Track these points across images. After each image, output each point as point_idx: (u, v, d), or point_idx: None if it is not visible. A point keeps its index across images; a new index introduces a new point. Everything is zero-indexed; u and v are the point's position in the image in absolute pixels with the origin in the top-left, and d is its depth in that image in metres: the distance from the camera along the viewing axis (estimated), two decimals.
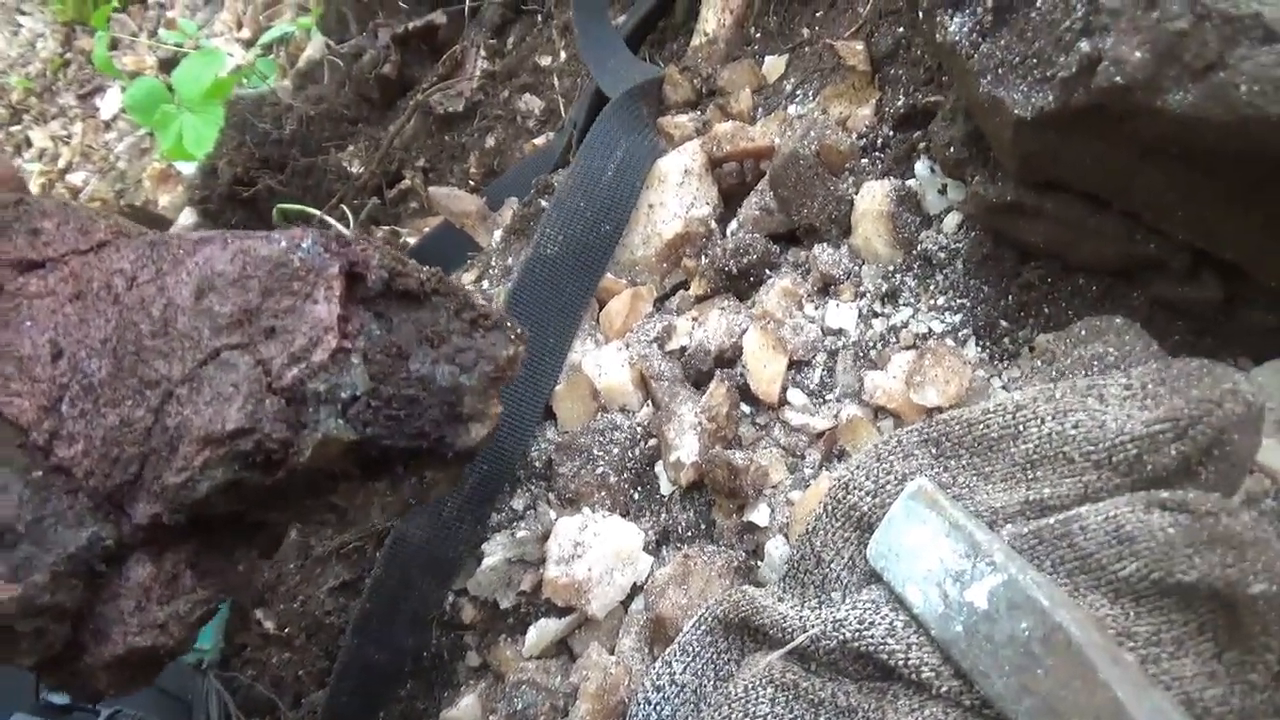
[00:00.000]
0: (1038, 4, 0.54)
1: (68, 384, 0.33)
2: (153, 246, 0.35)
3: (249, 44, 2.35)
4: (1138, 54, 0.46)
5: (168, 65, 2.36)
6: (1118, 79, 0.47)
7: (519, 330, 0.44)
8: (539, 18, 1.45)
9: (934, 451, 0.54)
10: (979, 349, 0.65)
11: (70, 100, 2.64)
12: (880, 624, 0.50)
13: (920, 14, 0.65)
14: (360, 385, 0.33)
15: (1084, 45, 0.50)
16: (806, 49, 1.00)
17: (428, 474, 0.37)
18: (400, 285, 0.34)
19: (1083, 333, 0.56)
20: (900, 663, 0.49)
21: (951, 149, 0.66)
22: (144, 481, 0.32)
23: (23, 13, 3.00)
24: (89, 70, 2.64)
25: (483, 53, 1.42)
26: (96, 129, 2.51)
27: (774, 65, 0.99)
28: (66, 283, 0.34)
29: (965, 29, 0.59)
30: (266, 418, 0.32)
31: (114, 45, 2.51)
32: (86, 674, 0.33)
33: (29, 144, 2.58)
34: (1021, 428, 0.50)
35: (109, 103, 2.54)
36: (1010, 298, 0.64)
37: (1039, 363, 0.58)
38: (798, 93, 0.94)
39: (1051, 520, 0.48)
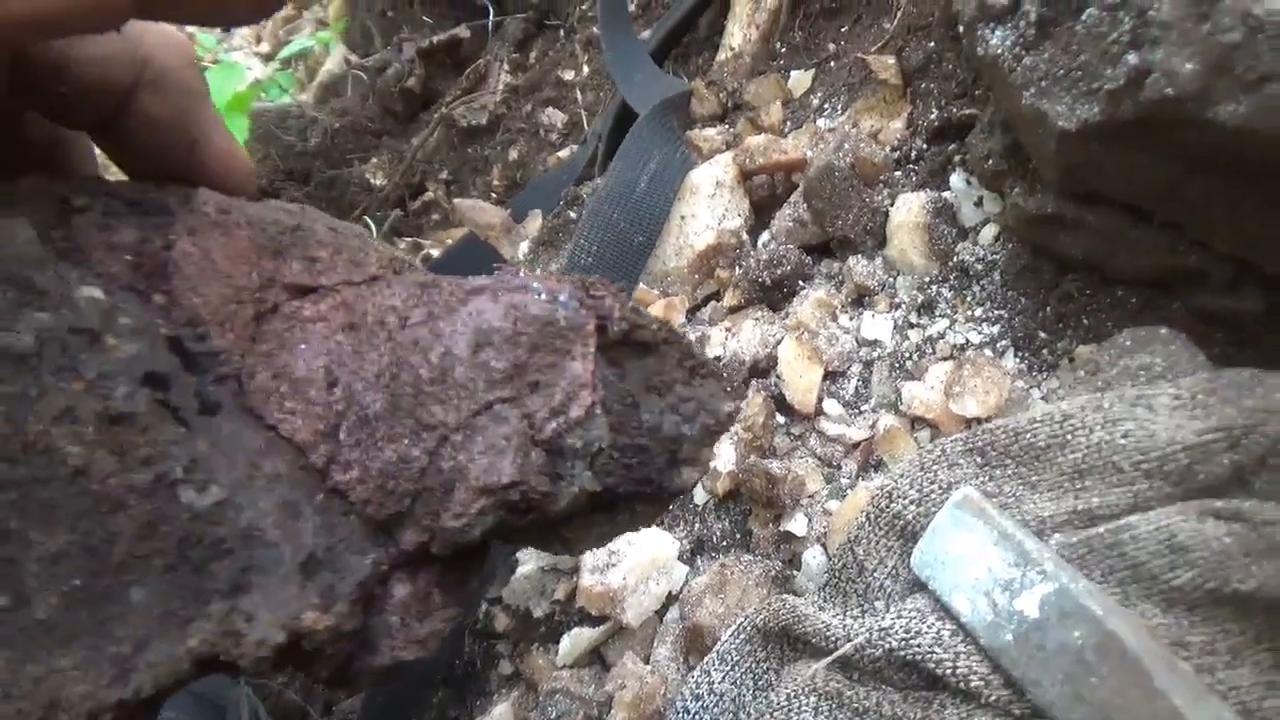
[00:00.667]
0: (1083, 17, 0.54)
1: (344, 412, 0.34)
2: (423, 289, 0.37)
3: (268, 58, 2.37)
4: (1189, 66, 0.47)
5: None
6: (1169, 90, 0.48)
7: (732, 384, 0.44)
8: (561, 32, 1.46)
9: (979, 461, 0.54)
10: (1017, 360, 0.65)
11: None
12: (927, 633, 0.50)
13: (960, 28, 0.65)
14: (605, 438, 0.34)
15: (1132, 58, 0.50)
16: (833, 63, 1.01)
17: (639, 508, 0.38)
18: (637, 336, 0.36)
19: (1128, 343, 0.56)
20: (948, 671, 0.49)
21: (990, 161, 0.67)
22: (415, 515, 0.34)
23: None
24: None
25: (506, 67, 1.43)
26: None
27: (800, 80, 0.99)
28: (339, 311, 0.35)
29: (1008, 42, 0.60)
30: (532, 471, 0.33)
31: None
32: (351, 681, 0.35)
33: None
34: (1070, 437, 0.51)
35: None
36: (1049, 309, 0.65)
37: (1082, 373, 0.58)
38: (825, 106, 0.95)
39: (1101, 529, 0.48)
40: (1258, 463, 0.45)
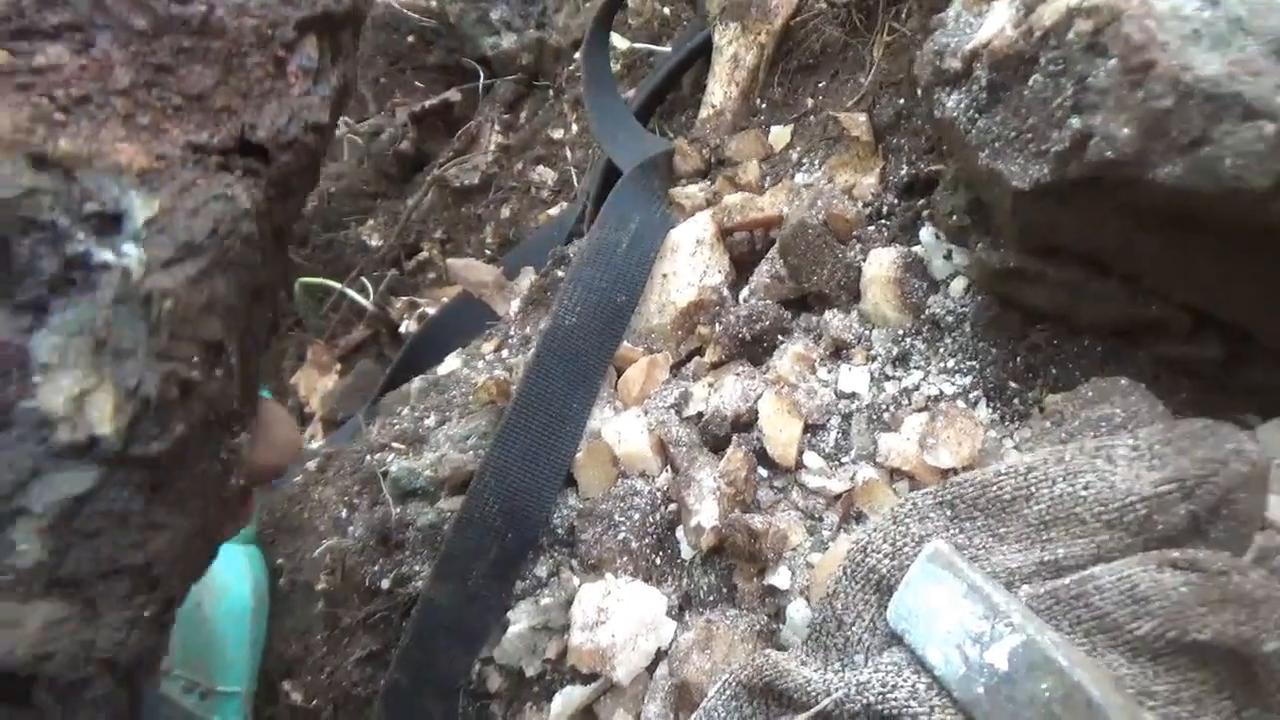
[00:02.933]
0: (1030, 83, 0.56)
1: None
2: None
3: None
4: (1125, 130, 0.49)
5: None
6: (1108, 154, 0.50)
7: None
8: (551, 92, 1.50)
9: (949, 514, 0.55)
10: (990, 410, 0.66)
11: None
12: (903, 686, 0.51)
13: (919, 91, 0.67)
14: None
15: (1075, 122, 0.52)
16: (811, 118, 1.03)
17: None
18: None
19: (1090, 394, 0.57)
20: None
21: (954, 217, 0.69)
22: None
23: None
24: None
25: (497, 127, 1.47)
26: None
27: (780, 135, 1.02)
28: None
29: (962, 105, 0.62)
30: None
31: None
32: None
33: None
34: (1033, 489, 0.52)
35: None
36: (1018, 359, 0.66)
37: (1048, 424, 0.59)
38: (804, 161, 0.97)
39: (1067, 580, 0.49)
40: (1211, 512, 0.46)
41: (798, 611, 0.66)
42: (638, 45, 1.38)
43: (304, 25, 0.45)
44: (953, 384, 0.68)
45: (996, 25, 0.61)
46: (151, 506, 0.38)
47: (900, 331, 0.73)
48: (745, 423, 0.75)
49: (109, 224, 0.37)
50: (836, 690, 0.54)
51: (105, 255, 0.36)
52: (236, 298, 0.40)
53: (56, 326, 0.35)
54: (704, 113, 1.14)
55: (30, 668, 0.35)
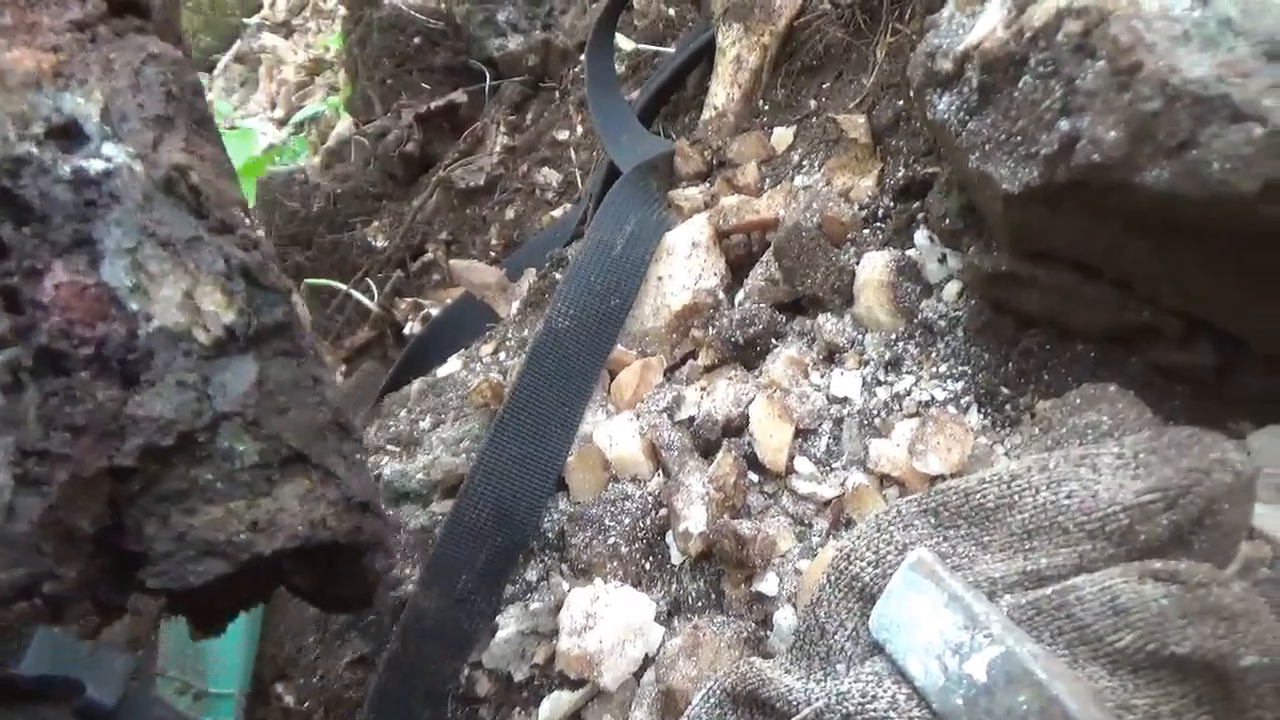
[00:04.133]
0: (1019, 85, 0.56)
1: None
2: None
3: (282, 122, 2.44)
4: (1113, 133, 0.48)
5: None
6: (1095, 157, 0.49)
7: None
8: (556, 94, 1.50)
9: (933, 521, 0.54)
10: (981, 416, 0.65)
11: None
12: (883, 697, 0.50)
13: (912, 92, 0.67)
14: None
15: (1063, 124, 0.51)
16: (813, 120, 1.02)
17: None
18: None
19: (1078, 401, 0.56)
20: None
21: (947, 220, 0.68)
22: None
23: None
24: None
25: (502, 129, 1.47)
26: None
27: (782, 136, 1.01)
28: None
29: (954, 108, 0.61)
30: None
31: None
32: None
33: None
34: (1017, 497, 0.51)
35: None
36: (1010, 365, 0.65)
37: (1037, 430, 0.58)
38: (804, 163, 0.96)
39: (1049, 590, 0.48)
40: (1194, 523, 0.45)
41: (785, 619, 0.65)
42: (642, 46, 1.37)
43: None
44: (944, 389, 0.67)
45: (988, 26, 0.60)
46: (306, 365, 0.39)
47: (893, 336, 0.72)
48: (736, 427, 0.74)
49: (72, 135, 0.36)
50: (817, 700, 0.53)
51: (96, 165, 0.35)
52: (223, 152, 0.40)
53: (115, 251, 0.35)
54: (706, 114, 1.13)
55: (331, 535, 0.38)
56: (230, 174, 0.39)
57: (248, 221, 0.38)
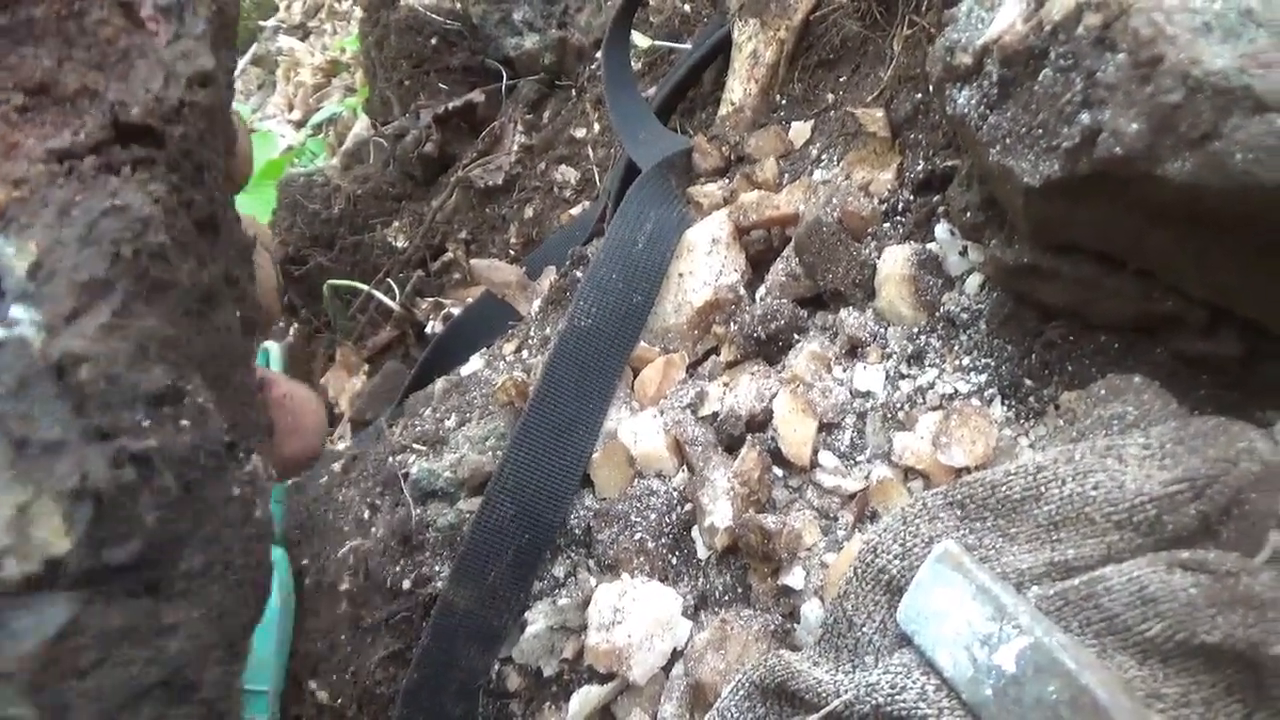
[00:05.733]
0: (1040, 78, 0.56)
1: None
2: None
3: (300, 124, 2.46)
4: (1134, 126, 0.48)
5: None
6: (1117, 150, 0.49)
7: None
8: (573, 92, 1.51)
9: (959, 514, 0.55)
10: (1005, 408, 0.66)
11: None
12: (912, 688, 0.51)
13: (931, 86, 0.67)
14: None
15: (1084, 117, 0.52)
16: (831, 114, 1.03)
17: None
18: None
19: (1103, 392, 0.57)
20: None
21: (968, 214, 0.68)
22: None
23: None
24: None
25: (520, 128, 1.48)
26: None
27: (800, 131, 1.01)
28: None
29: (973, 101, 0.61)
30: None
31: None
32: None
33: None
34: (1043, 489, 0.51)
35: None
36: (1034, 357, 0.65)
37: (1062, 422, 0.59)
38: (823, 158, 0.97)
39: (1077, 581, 0.48)
40: (1222, 512, 0.45)
41: (812, 611, 0.65)
42: (659, 43, 1.38)
43: None
44: (967, 382, 0.68)
45: (1007, 20, 0.61)
46: (154, 608, 0.31)
47: (915, 329, 0.72)
48: (760, 422, 0.75)
49: None
50: (846, 691, 0.54)
51: None
52: (174, 325, 0.32)
53: None
54: (724, 110, 1.13)
55: None
56: (160, 353, 0.31)
57: (150, 422, 0.31)
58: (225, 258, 0.37)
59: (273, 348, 1.43)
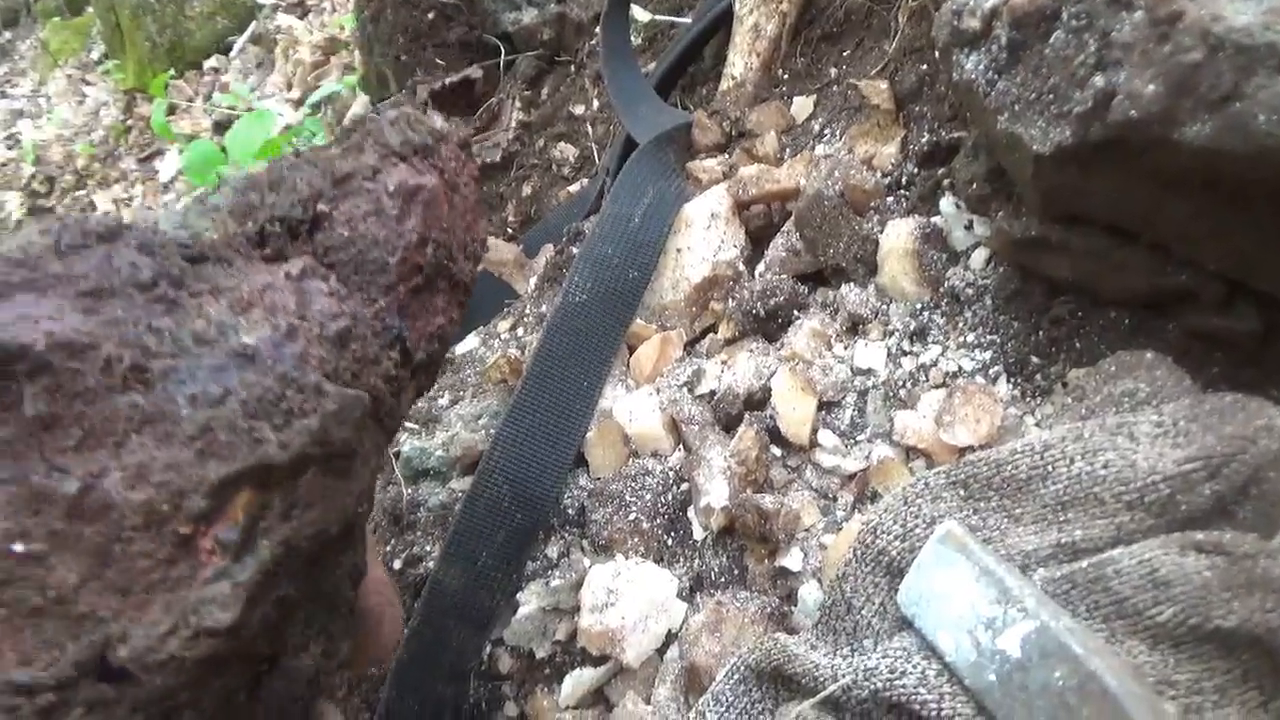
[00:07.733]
0: (1051, 40, 0.53)
1: None
2: None
3: (298, 103, 2.44)
4: (1151, 87, 0.46)
5: (222, 127, 2.46)
6: (1132, 113, 0.47)
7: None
8: (572, 68, 1.48)
9: (962, 494, 0.53)
10: (1010, 386, 0.64)
11: (131, 164, 2.76)
12: (912, 673, 0.49)
13: (938, 53, 0.65)
14: None
15: (1098, 80, 0.49)
16: (834, 88, 1.00)
17: None
18: None
19: (1113, 369, 0.55)
20: (933, 713, 0.48)
21: (974, 185, 0.66)
22: None
23: (87, 83, 3.15)
24: (149, 135, 2.76)
25: (518, 104, 1.45)
26: (156, 191, 2.61)
27: (802, 105, 0.99)
28: None
29: (981, 66, 0.59)
30: None
31: (171, 110, 2.62)
32: None
33: (93, 207, 2.69)
34: (1050, 468, 0.49)
35: (167, 165, 2.64)
36: (1041, 333, 0.63)
37: (1070, 400, 0.57)
38: (825, 132, 0.94)
39: (1084, 564, 0.47)
40: (1239, 492, 0.43)
41: (810, 594, 0.64)
42: (659, 17, 1.35)
43: (227, 486, 0.34)
44: (972, 359, 0.66)
45: None
46: None
47: (918, 305, 0.70)
48: (758, 401, 0.73)
49: None
50: (844, 675, 0.52)
51: None
52: None
53: None
54: (725, 84, 1.11)
55: None
56: None
57: None
58: None
59: None
